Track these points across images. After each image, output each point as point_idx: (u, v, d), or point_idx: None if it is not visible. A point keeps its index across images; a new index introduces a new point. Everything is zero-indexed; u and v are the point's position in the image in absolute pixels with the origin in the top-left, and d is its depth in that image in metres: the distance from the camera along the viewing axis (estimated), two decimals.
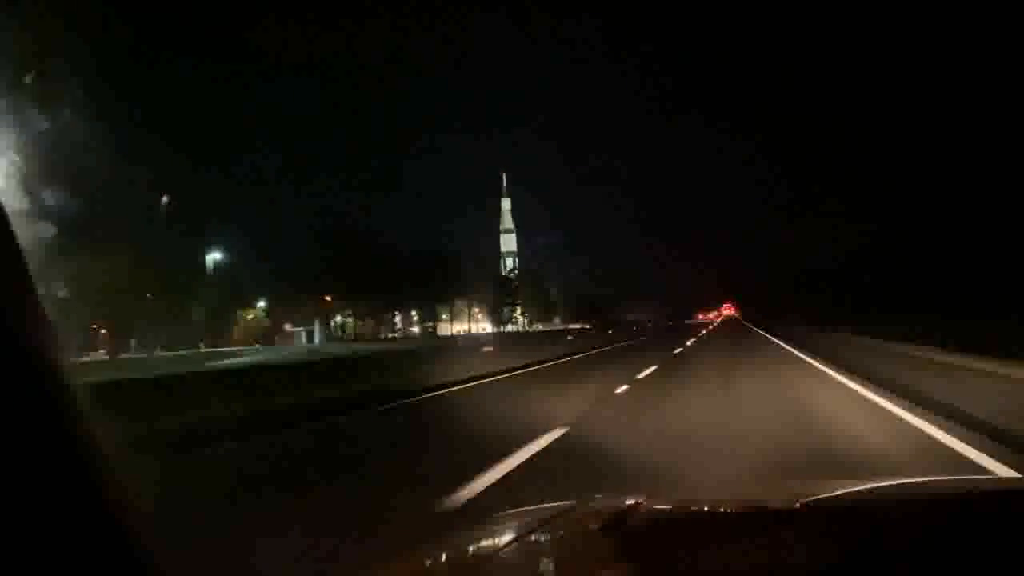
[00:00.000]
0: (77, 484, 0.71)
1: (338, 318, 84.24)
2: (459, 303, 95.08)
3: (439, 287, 79.49)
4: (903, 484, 2.01)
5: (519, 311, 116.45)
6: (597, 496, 2.00)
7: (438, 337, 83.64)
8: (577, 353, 25.83)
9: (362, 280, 70.09)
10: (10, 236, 0.72)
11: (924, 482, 2.18)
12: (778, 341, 28.95)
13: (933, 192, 41.14)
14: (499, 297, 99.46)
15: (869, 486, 1.78)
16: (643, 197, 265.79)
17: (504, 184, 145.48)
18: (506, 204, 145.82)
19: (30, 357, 0.70)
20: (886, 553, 1.10)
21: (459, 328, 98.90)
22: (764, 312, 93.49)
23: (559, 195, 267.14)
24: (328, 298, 75.46)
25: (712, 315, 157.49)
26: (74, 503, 0.70)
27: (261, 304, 76.65)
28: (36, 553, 0.66)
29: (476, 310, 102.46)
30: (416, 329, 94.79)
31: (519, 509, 1.89)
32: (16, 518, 0.66)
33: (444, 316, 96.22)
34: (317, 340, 74.31)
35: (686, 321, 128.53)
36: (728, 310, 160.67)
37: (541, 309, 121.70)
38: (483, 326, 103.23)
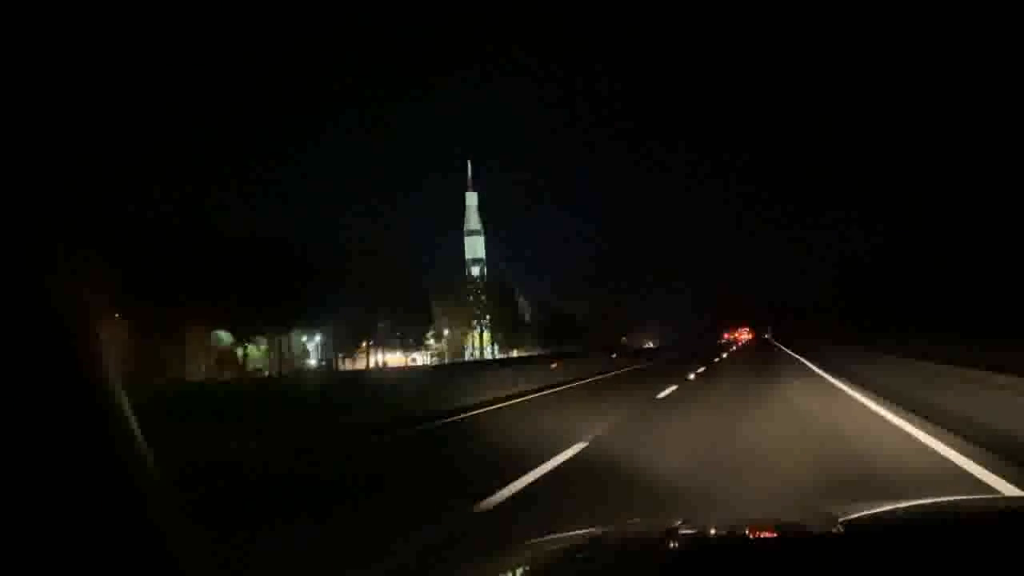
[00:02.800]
0: (121, 504, 0.74)
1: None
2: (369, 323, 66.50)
3: (307, 298, 51.68)
4: (943, 503, 1.98)
5: (486, 332, 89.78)
6: (635, 519, 2.05)
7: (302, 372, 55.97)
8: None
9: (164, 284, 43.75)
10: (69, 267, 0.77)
11: (967, 501, 2.17)
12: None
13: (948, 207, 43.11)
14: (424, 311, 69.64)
15: (906, 505, 1.78)
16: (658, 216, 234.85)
17: (469, 175, 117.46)
18: (471, 199, 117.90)
19: (85, 378, 0.75)
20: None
21: (388, 359, 71.29)
22: (792, 332, 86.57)
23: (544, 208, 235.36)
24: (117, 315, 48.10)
25: (728, 336, 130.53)
26: (117, 521, 0.73)
27: None
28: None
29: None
30: (312, 362, 67.68)
31: (558, 535, 1.83)
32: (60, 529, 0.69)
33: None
34: None
35: (719, 341, 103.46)
36: (745, 334, 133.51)
37: (510, 330, 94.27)
38: (413, 355, 75.74)
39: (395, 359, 70.34)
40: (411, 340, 68.35)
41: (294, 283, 51.11)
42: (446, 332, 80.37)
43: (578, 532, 1.73)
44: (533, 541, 1.76)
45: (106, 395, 0.75)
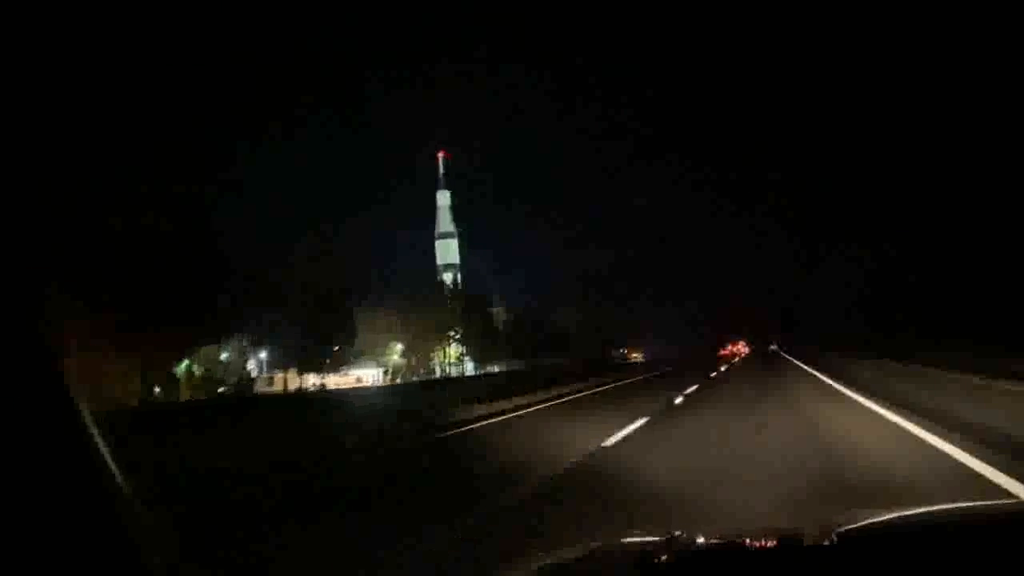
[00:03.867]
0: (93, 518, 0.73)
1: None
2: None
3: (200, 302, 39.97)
4: (934, 512, 2.00)
5: (456, 345, 78.39)
6: (628, 532, 1.95)
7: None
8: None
9: None
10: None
11: (955, 509, 2.15)
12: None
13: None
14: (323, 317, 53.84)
15: (899, 514, 1.77)
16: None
17: (441, 170, 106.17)
18: (443, 198, 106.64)
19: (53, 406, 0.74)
20: None
21: (336, 380, 59.69)
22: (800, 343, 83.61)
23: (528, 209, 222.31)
24: None
25: (730, 349, 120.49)
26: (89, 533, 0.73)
27: None
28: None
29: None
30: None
31: (557, 549, 1.85)
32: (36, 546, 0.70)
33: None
34: None
35: (718, 355, 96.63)
36: (741, 347, 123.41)
37: (481, 342, 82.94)
38: (363, 372, 64.35)
39: (313, 382, 58.47)
40: (327, 359, 55.77)
41: (206, 294, 39.63)
42: (399, 347, 69.04)
43: (577, 546, 1.75)
44: (525, 558, 1.76)
45: (70, 404, 0.73)
